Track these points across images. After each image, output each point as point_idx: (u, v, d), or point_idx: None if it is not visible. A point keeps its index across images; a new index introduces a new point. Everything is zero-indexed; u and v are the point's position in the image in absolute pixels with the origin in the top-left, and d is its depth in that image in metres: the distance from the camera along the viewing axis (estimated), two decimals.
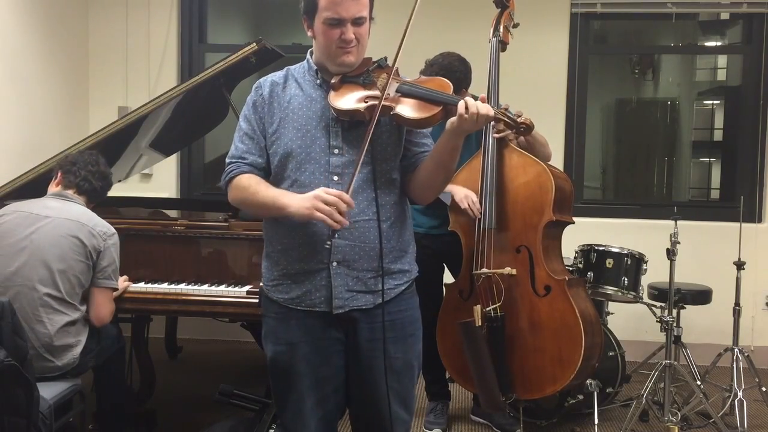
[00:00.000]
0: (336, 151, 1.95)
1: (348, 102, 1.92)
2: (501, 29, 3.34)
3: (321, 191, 1.83)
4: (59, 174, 2.96)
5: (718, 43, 6.13)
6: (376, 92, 1.91)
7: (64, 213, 2.82)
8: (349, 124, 1.95)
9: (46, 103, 4.64)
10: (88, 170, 2.94)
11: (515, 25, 3.42)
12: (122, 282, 3.03)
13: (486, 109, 1.85)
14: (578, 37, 4.88)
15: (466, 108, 1.84)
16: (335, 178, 1.93)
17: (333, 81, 1.96)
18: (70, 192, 2.92)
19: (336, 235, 1.90)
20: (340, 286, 1.96)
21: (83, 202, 2.93)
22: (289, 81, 2.03)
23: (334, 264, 1.95)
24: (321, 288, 1.96)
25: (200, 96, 3.41)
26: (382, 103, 1.88)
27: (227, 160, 2.05)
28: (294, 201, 1.87)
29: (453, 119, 1.87)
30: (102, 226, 2.86)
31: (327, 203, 1.81)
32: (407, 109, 1.90)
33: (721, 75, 6.64)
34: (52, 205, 2.87)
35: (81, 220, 2.82)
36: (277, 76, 2.06)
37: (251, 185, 1.97)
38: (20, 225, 2.78)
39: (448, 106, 1.89)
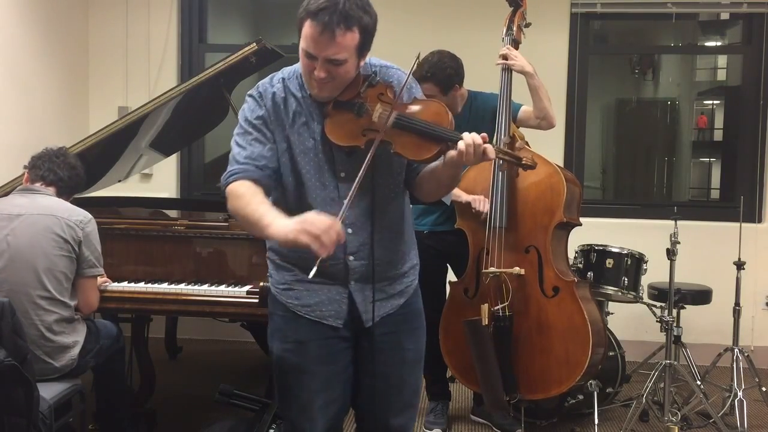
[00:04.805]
0: (342, 174, 1.93)
1: (345, 137, 1.88)
2: (514, 28, 3.35)
3: (313, 214, 1.68)
4: (26, 173, 2.92)
5: (718, 43, 6.13)
6: (373, 126, 1.86)
7: (36, 208, 2.76)
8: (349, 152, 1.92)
9: (46, 103, 4.64)
10: (52, 161, 2.88)
11: (527, 24, 3.42)
12: (100, 279, 2.97)
13: (486, 151, 1.81)
14: (578, 37, 4.88)
15: (465, 150, 1.79)
16: (345, 201, 1.86)
17: (326, 108, 1.90)
18: (37, 185, 2.86)
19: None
20: (362, 302, 1.98)
21: (53, 194, 2.86)
22: (288, 97, 1.94)
23: (352, 283, 1.97)
24: (334, 302, 1.98)
25: (200, 96, 3.40)
26: (382, 138, 1.83)
27: (232, 159, 1.91)
28: (279, 221, 1.70)
29: (452, 152, 1.82)
30: (77, 214, 2.79)
31: (317, 227, 1.63)
32: (405, 147, 1.85)
33: (721, 75, 6.64)
34: (21, 202, 2.79)
35: (55, 213, 2.75)
36: (276, 87, 1.94)
37: (246, 194, 1.83)
38: None
39: (447, 143, 1.84)
